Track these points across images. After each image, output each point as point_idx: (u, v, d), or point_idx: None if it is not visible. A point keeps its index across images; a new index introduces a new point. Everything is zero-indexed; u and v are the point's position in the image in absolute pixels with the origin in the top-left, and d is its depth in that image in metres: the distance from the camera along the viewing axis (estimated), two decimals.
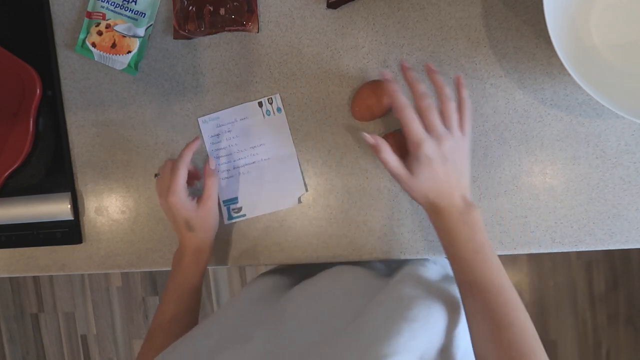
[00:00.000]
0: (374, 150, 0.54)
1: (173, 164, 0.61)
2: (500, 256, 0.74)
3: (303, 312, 0.52)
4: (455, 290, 0.54)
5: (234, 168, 0.67)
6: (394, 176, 0.55)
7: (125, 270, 0.72)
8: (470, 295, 0.50)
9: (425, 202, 0.54)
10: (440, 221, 0.52)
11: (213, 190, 0.62)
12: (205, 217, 0.62)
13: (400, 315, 0.46)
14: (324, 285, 0.59)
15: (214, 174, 0.63)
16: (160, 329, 0.61)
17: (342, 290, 0.57)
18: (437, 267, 0.65)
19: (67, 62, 0.69)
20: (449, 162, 0.51)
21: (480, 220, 0.51)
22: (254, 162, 0.66)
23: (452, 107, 0.53)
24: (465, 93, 0.54)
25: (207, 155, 0.67)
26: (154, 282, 1.80)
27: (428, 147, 0.51)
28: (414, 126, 0.51)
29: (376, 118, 0.62)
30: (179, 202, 0.60)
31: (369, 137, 0.53)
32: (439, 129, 0.51)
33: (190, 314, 0.63)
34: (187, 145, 0.62)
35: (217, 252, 0.69)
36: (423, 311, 0.48)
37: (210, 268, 1.75)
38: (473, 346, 0.49)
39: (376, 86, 0.60)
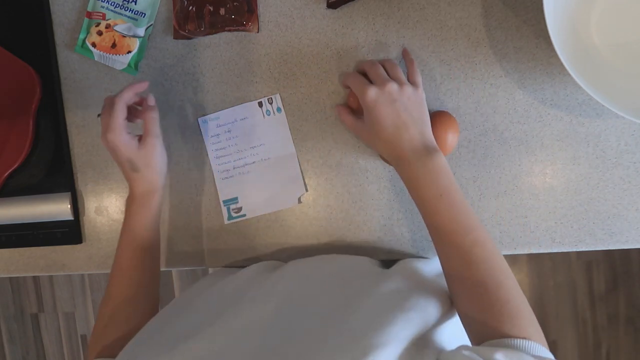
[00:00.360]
0: (339, 116, 0.60)
1: (111, 100, 0.57)
2: None
3: (295, 291, 0.51)
4: None
5: (234, 168, 0.67)
6: (354, 132, 0.59)
7: None
8: (439, 239, 0.50)
9: (386, 149, 0.54)
10: (403, 167, 0.53)
11: (153, 125, 0.58)
12: (149, 155, 0.58)
13: (397, 305, 0.45)
14: (318, 267, 0.58)
15: (153, 109, 0.59)
16: (119, 308, 0.58)
17: (336, 273, 0.56)
18: (437, 261, 0.65)
19: (67, 62, 0.69)
20: (397, 102, 0.53)
21: (443, 164, 0.51)
22: (254, 162, 0.66)
23: (392, 62, 0.57)
24: (410, 55, 0.60)
25: (206, 151, 0.67)
26: None
27: (371, 90, 0.53)
28: (357, 80, 0.56)
29: None
30: (119, 140, 0.56)
31: (335, 110, 0.61)
32: (382, 76, 0.54)
33: (150, 282, 0.60)
34: (130, 85, 0.58)
35: (217, 252, 0.69)
36: (421, 301, 0.47)
37: (210, 269, 1.76)
38: (451, 294, 0.50)
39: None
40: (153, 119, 0.58)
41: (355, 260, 0.60)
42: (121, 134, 0.56)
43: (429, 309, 0.48)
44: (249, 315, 0.46)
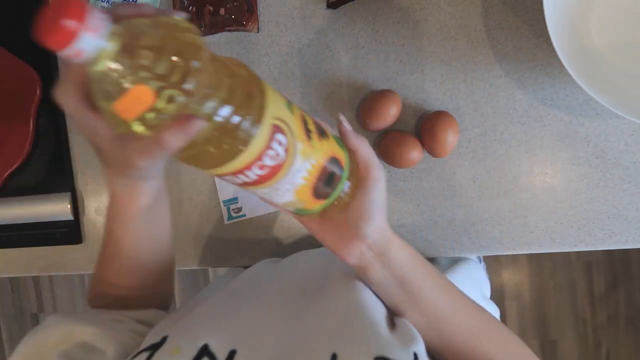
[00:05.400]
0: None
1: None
2: (500, 256, 0.74)
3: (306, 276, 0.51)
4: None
5: None
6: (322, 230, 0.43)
7: None
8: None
9: (378, 232, 0.42)
10: (400, 249, 0.43)
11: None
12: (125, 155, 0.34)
13: None
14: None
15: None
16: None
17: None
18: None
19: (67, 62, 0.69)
20: None
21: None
22: None
23: None
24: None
25: None
26: None
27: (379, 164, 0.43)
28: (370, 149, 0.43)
29: (385, 127, 0.62)
30: (79, 112, 0.33)
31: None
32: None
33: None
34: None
35: (217, 252, 0.69)
36: None
37: (210, 268, 1.75)
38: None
39: (383, 96, 0.60)
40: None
41: None
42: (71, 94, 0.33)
43: None
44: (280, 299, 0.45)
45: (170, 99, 0.27)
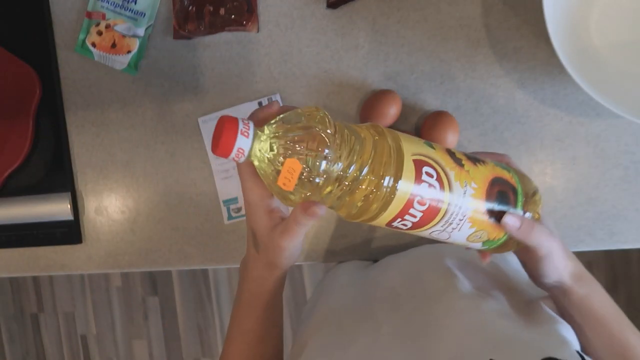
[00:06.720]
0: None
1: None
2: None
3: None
4: None
5: (234, 168, 0.67)
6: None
7: (125, 270, 0.72)
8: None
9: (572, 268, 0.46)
10: (593, 285, 0.50)
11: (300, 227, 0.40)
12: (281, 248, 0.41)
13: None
14: (419, 262, 0.57)
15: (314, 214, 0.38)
16: None
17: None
18: None
19: (67, 62, 0.69)
20: None
21: None
22: None
23: None
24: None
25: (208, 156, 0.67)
26: (154, 282, 1.80)
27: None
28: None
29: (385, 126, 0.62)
30: (249, 202, 0.40)
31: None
32: None
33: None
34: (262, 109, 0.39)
35: (217, 253, 0.69)
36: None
37: (210, 268, 1.75)
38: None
39: (383, 96, 0.60)
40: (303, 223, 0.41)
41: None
42: (254, 195, 0.40)
43: None
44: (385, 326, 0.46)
45: (315, 165, 0.33)
